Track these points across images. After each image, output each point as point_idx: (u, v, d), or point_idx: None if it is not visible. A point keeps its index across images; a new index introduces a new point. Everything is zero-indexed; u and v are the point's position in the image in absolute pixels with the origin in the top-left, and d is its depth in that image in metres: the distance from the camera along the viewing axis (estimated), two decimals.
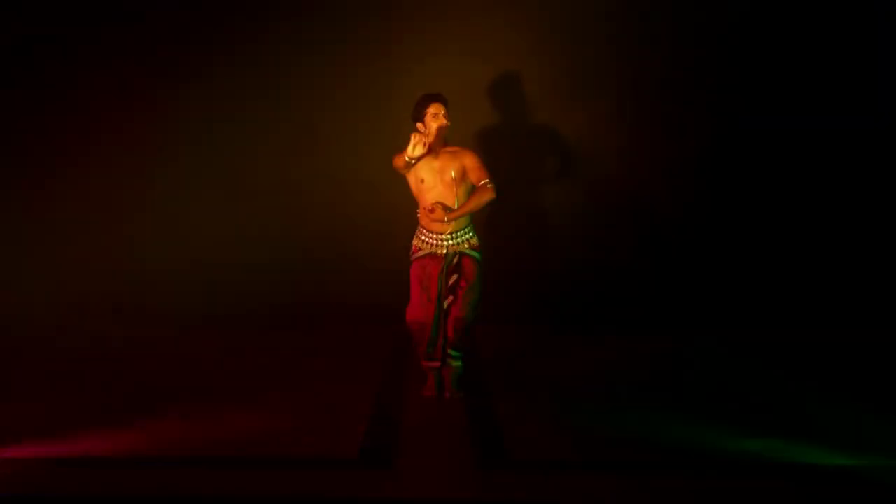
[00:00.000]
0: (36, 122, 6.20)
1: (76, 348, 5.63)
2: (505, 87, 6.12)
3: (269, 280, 6.28)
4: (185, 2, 6.12)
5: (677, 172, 6.21)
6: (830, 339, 5.72)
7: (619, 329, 6.06)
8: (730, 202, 6.21)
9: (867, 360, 5.31)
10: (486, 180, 4.44)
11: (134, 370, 5.16)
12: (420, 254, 4.58)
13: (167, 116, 6.17)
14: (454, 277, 4.56)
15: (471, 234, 4.59)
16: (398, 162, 4.47)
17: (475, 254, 4.57)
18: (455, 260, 4.54)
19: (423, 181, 4.51)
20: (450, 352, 4.61)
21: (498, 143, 6.08)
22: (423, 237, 4.59)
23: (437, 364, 4.63)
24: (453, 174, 4.47)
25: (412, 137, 4.36)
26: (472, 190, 4.50)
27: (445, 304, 4.58)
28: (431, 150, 4.47)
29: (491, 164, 4.58)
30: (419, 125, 4.48)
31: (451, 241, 4.54)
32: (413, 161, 4.40)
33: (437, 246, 4.55)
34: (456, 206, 4.46)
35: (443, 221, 4.47)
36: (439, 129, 4.46)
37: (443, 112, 4.48)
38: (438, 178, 4.49)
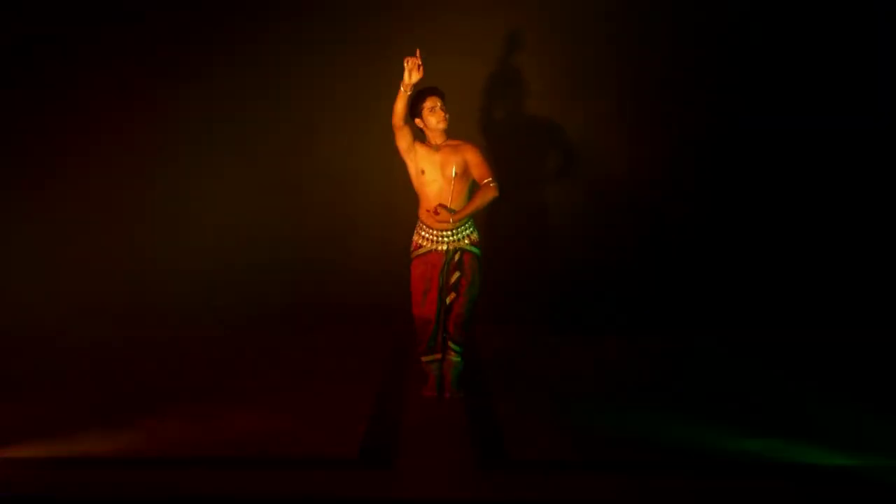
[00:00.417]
0: (36, 122, 6.20)
1: (76, 348, 5.63)
2: (505, 87, 6.13)
3: (270, 280, 6.28)
4: (185, 2, 6.13)
5: (677, 172, 6.21)
6: (830, 339, 5.72)
7: (619, 329, 6.06)
8: (730, 202, 6.21)
9: (867, 360, 5.31)
10: (490, 178, 4.42)
11: (134, 370, 5.16)
12: (421, 251, 4.57)
13: (167, 116, 6.17)
14: (456, 275, 4.56)
15: (471, 229, 4.58)
16: (396, 116, 4.33)
17: (476, 249, 4.57)
18: (457, 257, 4.54)
19: (423, 172, 4.48)
20: (450, 345, 4.61)
21: (498, 143, 6.08)
22: (423, 233, 4.57)
23: (439, 356, 4.63)
24: (455, 169, 4.45)
25: (406, 64, 4.23)
26: (473, 185, 4.50)
27: (448, 301, 4.58)
28: (432, 145, 4.47)
29: (491, 164, 4.57)
30: (410, 62, 4.26)
31: (451, 237, 4.53)
32: (410, 92, 4.27)
33: (438, 242, 4.54)
34: (454, 198, 4.44)
35: (448, 223, 4.46)
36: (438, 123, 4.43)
37: (439, 105, 4.45)
38: (439, 173, 4.47)
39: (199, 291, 6.26)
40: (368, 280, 6.17)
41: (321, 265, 6.28)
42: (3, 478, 3.52)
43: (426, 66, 4.27)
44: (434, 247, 4.54)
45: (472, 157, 4.47)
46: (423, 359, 4.68)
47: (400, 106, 4.33)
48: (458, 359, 4.64)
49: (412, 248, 4.62)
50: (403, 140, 4.44)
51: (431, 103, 4.44)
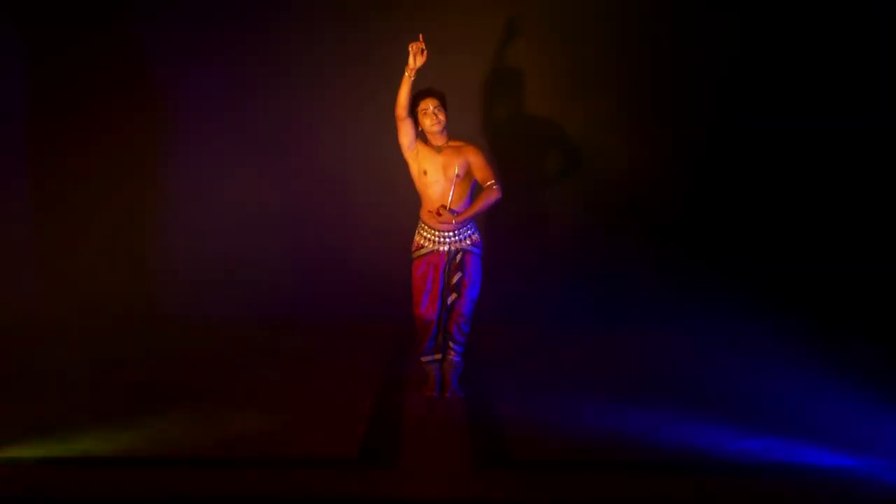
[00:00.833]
0: (37, 122, 6.20)
1: (76, 348, 5.62)
2: (505, 87, 6.13)
3: (270, 280, 6.28)
4: (185, 2, 6.13)
5: (677, 172, 6.22)
6: (830, 339, 5.71)
7: (619, 329, 6.06)
8: (730, 202, 6.21)
9: (867, 360, 5.31)
10: (493, 181, 4.40)
11: (134, 370, 5.16)
12: (423, 251, 4.57)
13: (167, 117, 6.17)
14: (457, 275, 4.56)
15: (472, 230, 4.58)
16: (399, 106, 4.31)
17: (477, 250, 4.58)
18: (458, 257, 4.54)
19: (425, 173, 4.48)
20: (451, 345, 4.61)
21: (498, 143, 6.09)
22: (425, 234, 4.58)
23: (439, 356, 4.64)
24: (457, 171, 4.44)
25: (410, 49, 4.23)
26: (475, 187, 4.50)
27: (449, 301, 4.58)
28: (432, 145, 4.47)
29: (493, 166, 4.57)
30: (414, 46, 4.27)
31: (453, 238, 4.53)
32: (413, 76, 4.25)
33: (439, 243, 4.54)
34: (456, 200, 4.44)
35: (451, 224, 4.46)
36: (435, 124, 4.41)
37: (432, 107, 4.41)
38: (442, 174, 4.46)
39: (199, 291, 6.26)
40: (369, 280, 6.17)
41: (321, 265, 6.28)
42: (3, 478, 3.52)
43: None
44: (436, 247, 4.54)
45: (475, 160, 4.45)
46: (424, 359, 4.68)
47: (403, 93, 4.30)
48: (459, 359, 4.64)
49: (413, 249, 4.62)
50: (405, 135, 4.42)
51: (424, 105, 4.42)
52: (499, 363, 5.29)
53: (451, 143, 4.51)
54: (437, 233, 4.53)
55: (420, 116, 4.44)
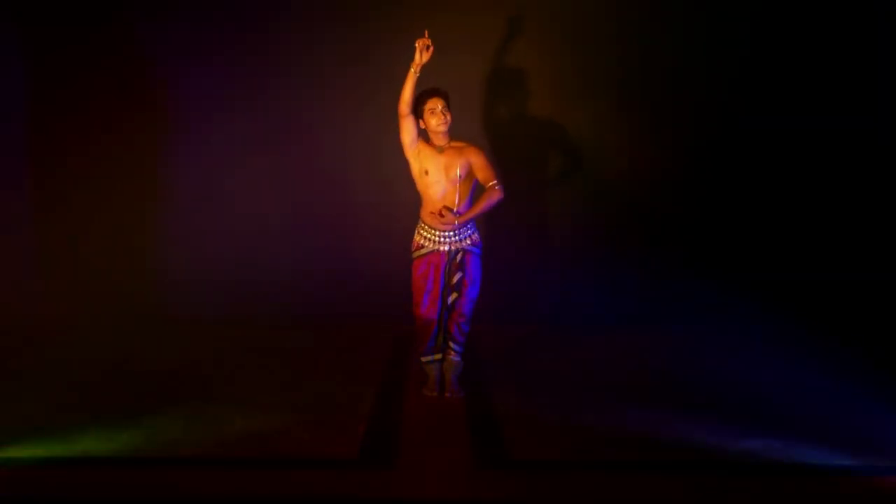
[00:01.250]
0: (37, 122, 6.19)
1: (76, 348, 5.62)
2: (505, 87, 6.13)
3: (270, 280, 6.27)
4: (185, 2, 6.13)
5: (677, 172, 6.21)
6: (830, 339, 5.71)
7: (619, 328, 6.06)
8: (730, 202, 6.21)
9: (867, 360, 5.31)
10: (495, 182, 4.39)
11: (134, 370, 5.16)
12: (423, 251, 4.57)
13: (167, 117, 6.17)
14: (457, 275, 4.56)
15: (472, 230, 4.58)
16: (403, 102, 4.31)
17: (477, 250, 4.58)
18: (458, 257, 4.54)
19: (427, 173, 4.47)
20: (451, 345, 4.61)
21: (498, 143, 6.08)
22: (425, 234, 4.57)
23: (439, 356, 4.64)
24: (459, 171, 4.44)
25: (417, 45, 4.26)
26: (476, 187, 4.50)
27: (449, 301, 4.58)
28: (435, 145, 4.47)
29: (495, 166, 4.57)
30: (419, 43, 4.29)
31: (453, 238, 4.53)
32: (419, 73, 4.26)
33: (440, 243, 4.54)
34: (457, 200, 4.44)
35: (453, 225, 4.46)
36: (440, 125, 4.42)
37: (440, 107, 4.42)
38: (443, 174, 4.46)
39: (199, 291, 6.26)
40: (369, 280, 6.17)
41: (321, 265, 6.27)
42: (3, 478, 3.52)
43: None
44: (436, 247, 4.54)
45: (477, 160, 4.45)
46: (424, 359, 4.68)
47: (408, 89, 4.31)
48: (459, 359, 4.65)
49: (414, 248, 4.62)
50: (408, 133, 4.42)
51: (432, 105, 4.42)
52: (499, 363, 5.29)
53: (453, 144, 4.51)
54: (437, 232, 4.53)
55: (427, 115, 4.43)
